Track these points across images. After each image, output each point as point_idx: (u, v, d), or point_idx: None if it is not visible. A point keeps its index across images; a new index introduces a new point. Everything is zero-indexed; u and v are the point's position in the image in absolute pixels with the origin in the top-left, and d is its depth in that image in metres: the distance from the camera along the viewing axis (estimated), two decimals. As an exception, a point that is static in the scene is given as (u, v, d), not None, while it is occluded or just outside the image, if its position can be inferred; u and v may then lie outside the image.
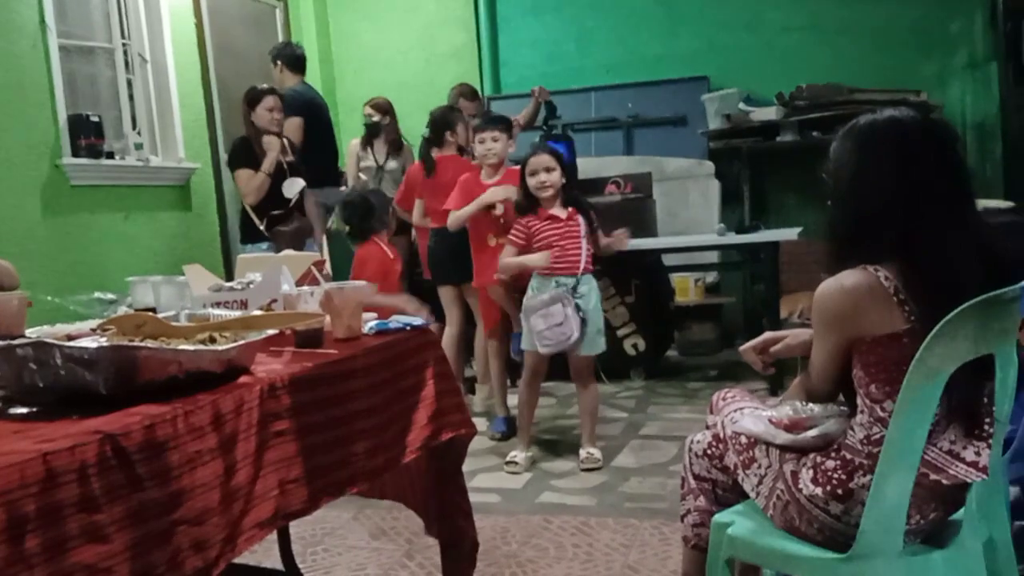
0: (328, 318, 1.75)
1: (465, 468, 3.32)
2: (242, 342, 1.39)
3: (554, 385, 4.33)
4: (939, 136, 1.52)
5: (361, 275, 3.59)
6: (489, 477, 3.40)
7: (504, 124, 3.85)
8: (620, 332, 4.85)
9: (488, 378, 4.16)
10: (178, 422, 1.18)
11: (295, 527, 2.75)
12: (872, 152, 1.52)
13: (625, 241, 3.57)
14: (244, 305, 1.91)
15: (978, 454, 1.46)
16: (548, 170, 3.35)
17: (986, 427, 1.47)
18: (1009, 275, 1.45)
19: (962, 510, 1.52)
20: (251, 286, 1.93)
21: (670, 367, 5.18)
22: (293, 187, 4.53)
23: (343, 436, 1.52)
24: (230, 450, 1.24)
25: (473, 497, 3.03)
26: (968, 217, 1.49)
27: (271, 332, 1.47)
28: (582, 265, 3.36)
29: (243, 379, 1.38)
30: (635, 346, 4.87)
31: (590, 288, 3.39)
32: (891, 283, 1.45)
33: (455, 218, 3.81)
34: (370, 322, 1.83)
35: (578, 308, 3.31)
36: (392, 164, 4.87)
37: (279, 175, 4.50)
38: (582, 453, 3.47)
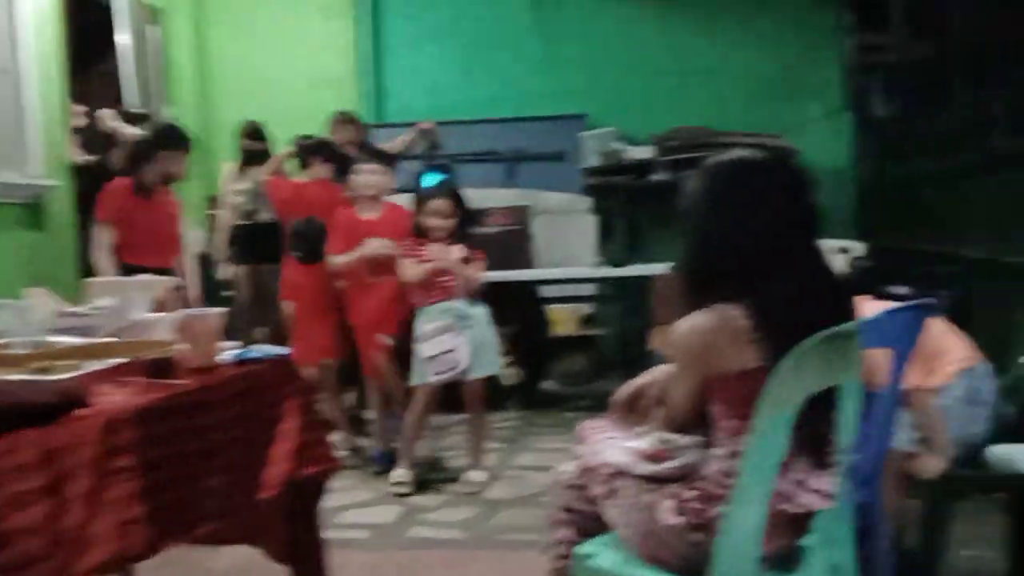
0: (183, 346, 1.66)
1: (335, 503, 3.28)
2: (79, 372, 1.29)
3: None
4: (785, 177, 1.61)
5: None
6: (359, 512, 3.31)
7: (386, 159, 3.85)
8: (497, 363, 4.86)
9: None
10: None
11: (153, 570, 2.57)
12: (721, 192, 1.58)
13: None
14: (92, 332, 1.79)
15: (824, 483, 1.53)
16: (444, 217, 3.40)
17: (832, 456, 1.55)
18: (851, 310, 1.54)
19: (810, 536, 1.58)
20: (101, 312, 1.81)
21: (546, 397, 5.23)
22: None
23: (194, 471, 1.44)
24: (59, 490, 1.14)
25: (341, 533, 2.99)
26: (813, 255, 1.57)
27: (117, 361, 1.37)
28: (461, 290, 3.39)
29: (80, 412, 1.28)
30: (511, 376, 4.89)
31: (477, 311, 3.42)
32: (744, 321, 1.50)
33: (337, 265, 3.76)
34: (230, 351, 1.75)
35: (467, 334, 3.35)
36: (267, 188, 4.71)
37: None
38: (465, 476, 3.52)
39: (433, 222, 3.39)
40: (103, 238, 3.75)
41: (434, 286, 3.41)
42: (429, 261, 3.40)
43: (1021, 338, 3.11)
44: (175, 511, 1.38)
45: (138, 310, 1.76)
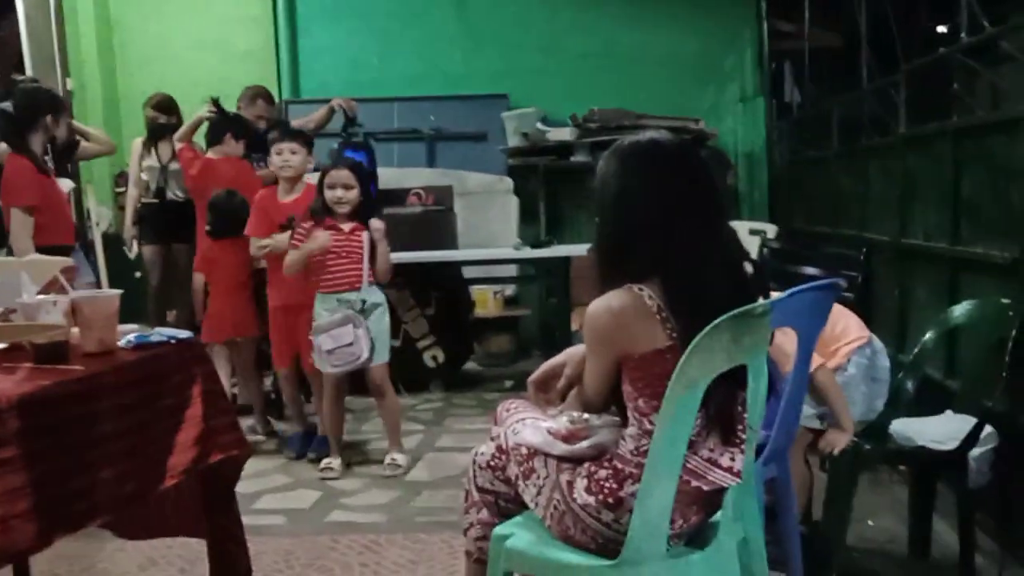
0: (75, 330, 1.58)
1: (250, 489, 3.22)
2: (-43, 358, 1.21)
3: (350, 400, 4.21)
4: (694, 159, 1.62)
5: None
6: (275, 498, 3.24)
7: (304, 138, 3.72)
8: (420, 344, 4.82)
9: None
10: None
11: (45, 563, 2.46)
12: (631, 172, 1.58)
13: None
14: (-24, 316, 1.68)
15: (733, 459, 1.56)
16: (346, 187, 3.31)
17: (740, 434, 1.57)
18: (758, 290, 1.57)
19: (720, 512, 1.61)
20: (-15, 294, 1.70)
21: (469, 378, 5.22)
22: (61, 188, 4.12)
23: (86, 462, 1.36)
24: (-67, 485, 1.07)
25: (257, 519, 2.92)
26: (721, 236, 1.59)
27: (1, 345, 1.29)
28: (364, 279, 3.32)
29: (-42, 401, 1.20)
30: (435, 358, 4.86)
31: (376, 300, 3.36)
32: (654, 301, 1.51)
33: (257, 251, 3.66)
34: (128, 335, 1.67)
35: (366, 325, 3.29)
36: (176, 165, 4.54)
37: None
38: (386, 459, 3.48)
39: (333, 194, 3.30)
40: (28, 225, 3.43)
41: (330, 272, 3.32)
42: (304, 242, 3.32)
43: (919, 318, 3.24)
44: (65, 503, 1.31)
45: (27, 292, 1.66)
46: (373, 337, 3.30)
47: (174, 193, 4.66)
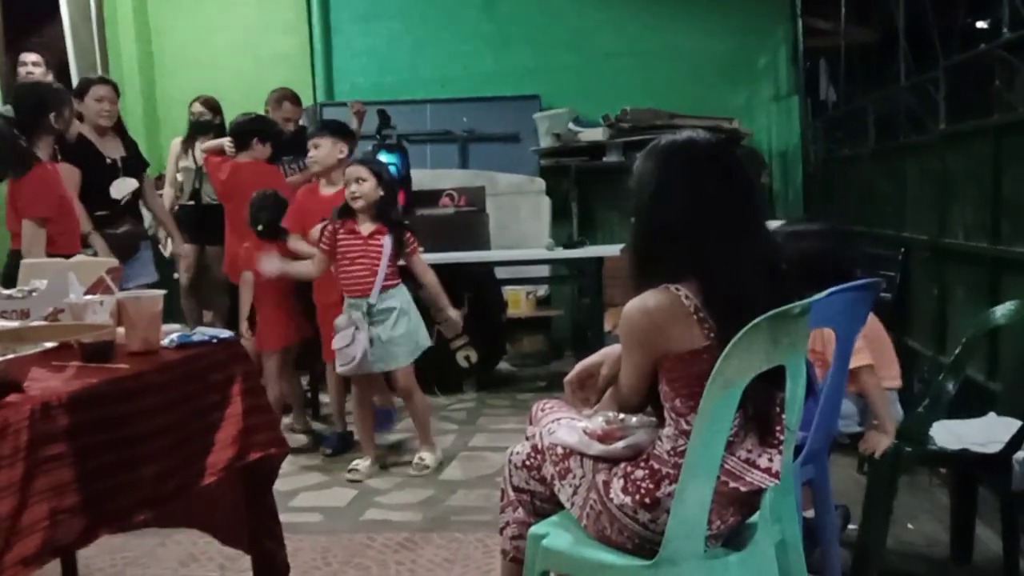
0: (121, 330, 1.61)
1: (287, 487, 3.26)
2: (10, 356, 1.24)
3: (383, 399, 4.24)
4: (731, 158, 1.61)
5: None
6: (312, 496, 3.27)
7: (331, 128, 3.74)
8: (453, 344, 4.84)
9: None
10: (-78, 448, 1.03)
11: (90, 558, 2.52)
12: (668, 171, 1.58)
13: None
14: (25, 315, 1.72)
15: (771, 460, 1.55)
16: (359, 181, 3.29)
17: (778, 435, 1.56)
18: (794, 291, 1.55)
19: (757, 513, 1.60)
20: (34, 294, 1.74)
21: (502, 378, 5.23)
22: (123, 187, 4.14)
23: (130, 458, 1.39)
24: (-12, 479, 1.10)
25: (294, 517, 2.96)
26: (758, 235, 1.58)
27: (49, 345, 1.32)
28: (377, 286, 3.29)
29: (11, 398, 1.23)
30: (468, 358, 4.88)
31: (390, 305, 3.33)
32: (691, 301, 1.51)
33: (291, 247, 3.70)
34: (172, 334, 1.70)
35: (374, 328, 3.29)
36: (214, 167, 4.59)
37: (109, 172, 4.08)
38: (415, 458, 3.49)
39: (348, 190, 3.30)
40: (40, 236, 3.13)
41: (346, 275, 3.34)
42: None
43: (959, 318, 3.19)
44: (109, 499, 1.34)
45: (74, 292, 1.70)
46: (386, 340, 3.29)
47: (209, 196, 4.72)
